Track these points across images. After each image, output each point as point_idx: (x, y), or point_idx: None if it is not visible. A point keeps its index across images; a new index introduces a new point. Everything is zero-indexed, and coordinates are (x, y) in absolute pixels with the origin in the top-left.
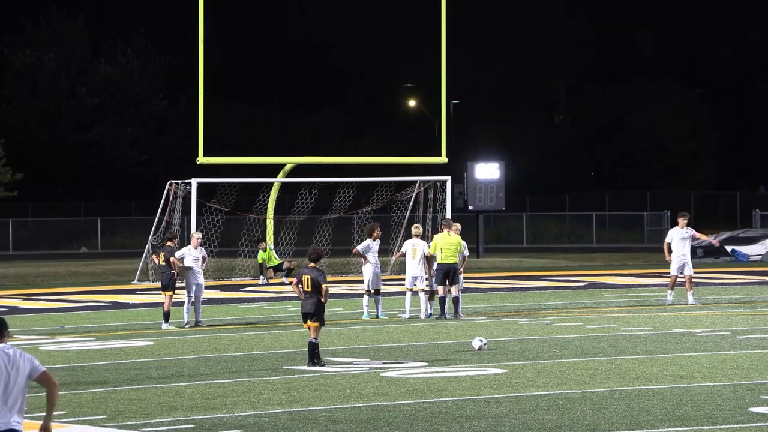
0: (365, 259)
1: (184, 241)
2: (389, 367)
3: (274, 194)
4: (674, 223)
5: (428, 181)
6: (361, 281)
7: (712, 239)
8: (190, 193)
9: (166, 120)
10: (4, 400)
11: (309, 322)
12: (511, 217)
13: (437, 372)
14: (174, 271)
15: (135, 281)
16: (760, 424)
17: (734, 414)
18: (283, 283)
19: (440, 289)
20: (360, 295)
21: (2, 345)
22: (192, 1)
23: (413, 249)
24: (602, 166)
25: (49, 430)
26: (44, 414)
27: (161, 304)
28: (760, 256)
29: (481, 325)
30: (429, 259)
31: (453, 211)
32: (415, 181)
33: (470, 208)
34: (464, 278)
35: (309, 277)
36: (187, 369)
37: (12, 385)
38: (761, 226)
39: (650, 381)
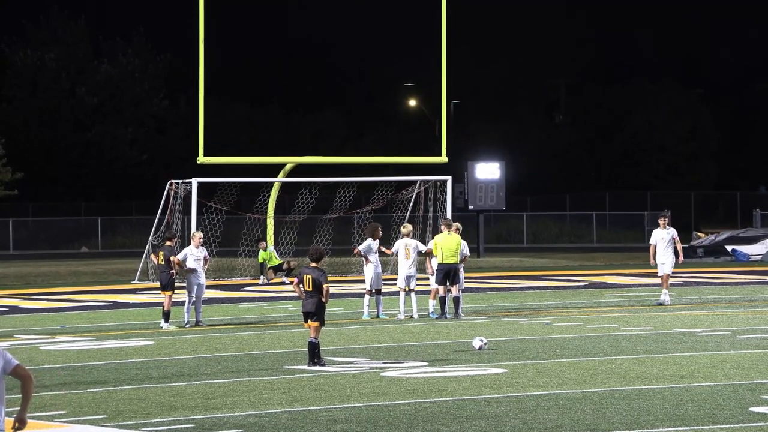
0: (366, 259)
1: (185, 240)
2: (389, 367)
3: (274, 194)
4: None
5: (428, 181)
6: (362, 281)
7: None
8: (190, 192)
9: (166, 120)
10: None
11: (309, 321)
12: (512, 217)
13: (437, 372)
14: (173, 271)
15: (135, 281)
16: (760, 423)
17: (735, 414)
18: (283, 283)
19: (440, 289)
20: (361, 295)
21: None
22: (192, 1)
23: (406, 249)
24: (602, 166)
25: (25, 422)
26: (19, 407)
27: (161, 304)
28: (761, 256)
29: (482, 324)
30: (428, 258)
31: (453, 210)
32: (416, 181)
33: (470, 207)
34: (464, 278)
35: (310, 276)
36: (187, 369)
37: None
38: (761, 225)
39: (651, 381)
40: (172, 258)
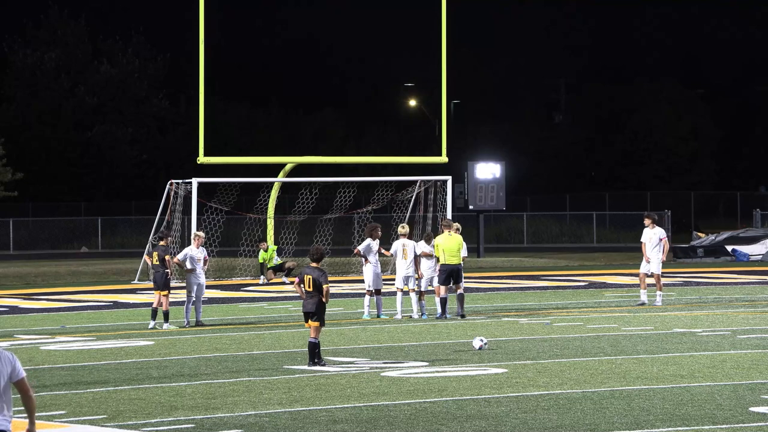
0: (366, 259)
1: (185, 240)
2: (390, 367)
3: (274, 194)
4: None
5: (429, 181)
6: (362, 281)
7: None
8: (190, 192)
9: (166, 120)
10: None
11: (310, 321)
12: (512, 217)
13: (438, 372)
14: (168, 270)
15: (135, 281)
16: (760, 423)
17: (735, 414)
18: (283, 283)
19: (441, 290)
20: (361, 295)
21: None
22: (192, 1)
23: (403, 249)
24: (602, 166)
25: None
26: (28, 421)
27: (161, 305)
28: (761, 256)
29: (482, 324)
30: (417, 259)
31: (453, 210)
32: (416, 181)
33: (471, 207)
34: (464, 278)
35: (311, 277)
36: (187, 369)
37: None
38: (761, 225)
39: (651, 381)
40: (166, 257)
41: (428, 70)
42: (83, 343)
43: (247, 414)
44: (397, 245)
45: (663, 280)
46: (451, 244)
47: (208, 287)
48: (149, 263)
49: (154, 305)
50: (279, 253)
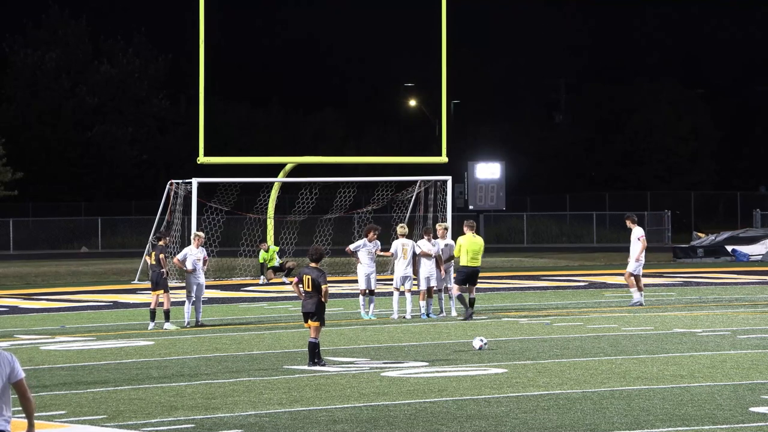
0: (357, 258)
1: (185, 240)
2: (390, 367)
3: (274, 194)
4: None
5: (429, 181)
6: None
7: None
8: (190, 192)
9: (166, 120)
10: None
11: (309, 321)
12: (512, 217)
13: (438, 372)
14: (164, 270)
15: (135, 281)
16: (760, 423)
17: (735, 414)
18: (283, 283)
19: (455, 288)
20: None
21: None
22: (193, 1)
23: (403, 249)
24: (602, 166)
25: None
26: (27, 423)
27: (161, 304)
28: (761, 256)
29: (482, 324)
30: (416, 259)
31: (453, 210)
32: (416, 181)
33: (471, 207)
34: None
35: (310, 277)
36: (187, 369)
37: None
38: (761, 225)
39: (651, 381)
40: (161, 256)
41: (428, 70)
42: (83, 343)
43: (247, 414)
44: (396, 245)
45: (663, 281)
46: (473, 246)
47: (208, 287)
48: (149, 263)
49: (152, 306)
50: (280, 255)
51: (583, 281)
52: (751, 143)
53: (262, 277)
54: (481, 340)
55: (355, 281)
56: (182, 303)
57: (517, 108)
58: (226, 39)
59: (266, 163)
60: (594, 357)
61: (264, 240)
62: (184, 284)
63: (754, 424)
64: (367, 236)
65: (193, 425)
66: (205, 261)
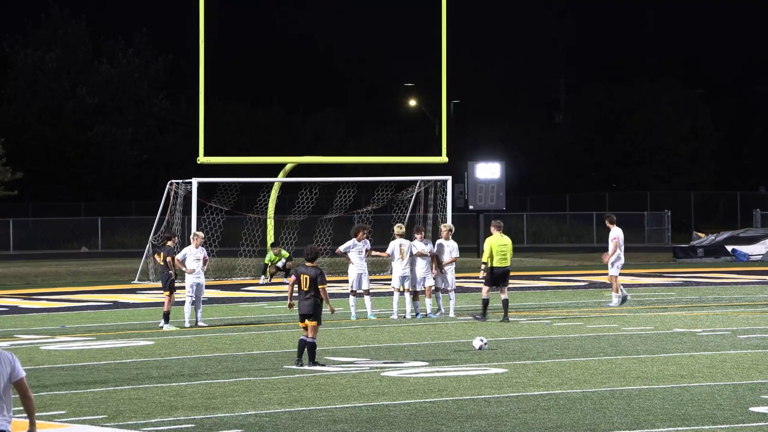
0: (348, 258)
1: (185, 240)
2: (390, 367)
3: (274, 194)
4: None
5: (428, 181)
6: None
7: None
8: (190, 192)
9: (166, 120)
10: None
11: (307, 321)
12: (512, 217)
13: (438, 372)
14: (171, 272)
15: (135, 281)
16: (760, 423)
17: (735, 414)
18: (283, 283)
19: (485, 290)
20: (360, 295)
21: None
22: (193, 1)
23: (400, 249)
24: (602, 166)
25: None
26: (29, 422)
27: (161, 304)
28: (761, 256)
29: (482, 324)
30: (434, 257)
31: (453, 210)
32: (416, 181)
33: (471, 207)
34: (461, 277)
35: (308, 276)
36: (187, 369)
37: None
38: (761, 225)
39: (651, 380)
40: (168, 258)
41: (428, 70)
42: (83, 343)
43: (247, 414)
44: (393, 245)
45: (663, 281)
46: (502, 246)
47: (208, 287)
48: (158, 261)
49: (165, 309)
50: (289, 260)
51: (583, 281)
52: (751, 143)
53: (262, 276)
54: (481, 340)
55: None
56: (182, 303)
57: (517, 108)
58: (226, 39)
59: (266, 163)
60: (594, 357)
61: (277, 244)
62: (184, 284)
63: (754, 424)
64: (356, 236)
65: (193, 425)
66: (205, 261)
